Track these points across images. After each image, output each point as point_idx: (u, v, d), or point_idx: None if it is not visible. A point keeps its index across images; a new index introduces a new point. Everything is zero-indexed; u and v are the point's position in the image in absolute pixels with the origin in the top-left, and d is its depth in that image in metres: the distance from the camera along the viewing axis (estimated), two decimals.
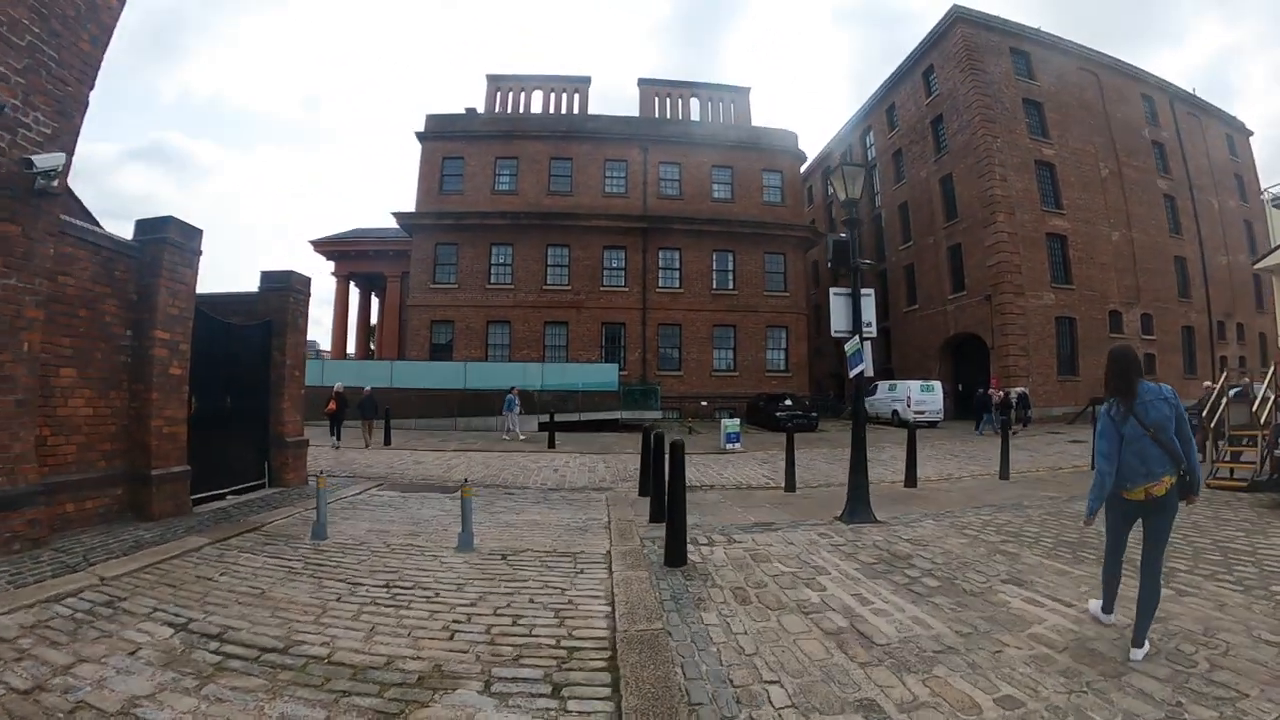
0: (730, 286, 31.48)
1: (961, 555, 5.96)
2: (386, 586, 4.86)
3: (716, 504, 9.00)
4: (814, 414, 25.03)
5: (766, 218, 31.84)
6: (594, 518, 7.85)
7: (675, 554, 5.61)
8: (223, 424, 8.65)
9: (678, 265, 31.03)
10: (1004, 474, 11.39)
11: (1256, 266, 9.58)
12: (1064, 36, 34.11)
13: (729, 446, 17.14)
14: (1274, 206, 10.01)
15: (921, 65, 33.81)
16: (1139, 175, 34.20)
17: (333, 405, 17.43)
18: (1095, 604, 4.25)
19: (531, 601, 4.59)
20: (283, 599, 4.51)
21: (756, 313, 31.18)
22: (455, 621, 4.15)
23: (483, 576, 5.18)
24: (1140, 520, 3.78)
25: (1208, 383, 13.91)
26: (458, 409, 23.92)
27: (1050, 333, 28.93)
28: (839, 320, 8.06)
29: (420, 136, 31.60)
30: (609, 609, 4.44)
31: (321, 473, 7.46)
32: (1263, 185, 43.40)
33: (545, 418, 20.74)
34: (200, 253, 7.92)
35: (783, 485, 10.35)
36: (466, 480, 6.77)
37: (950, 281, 32.14)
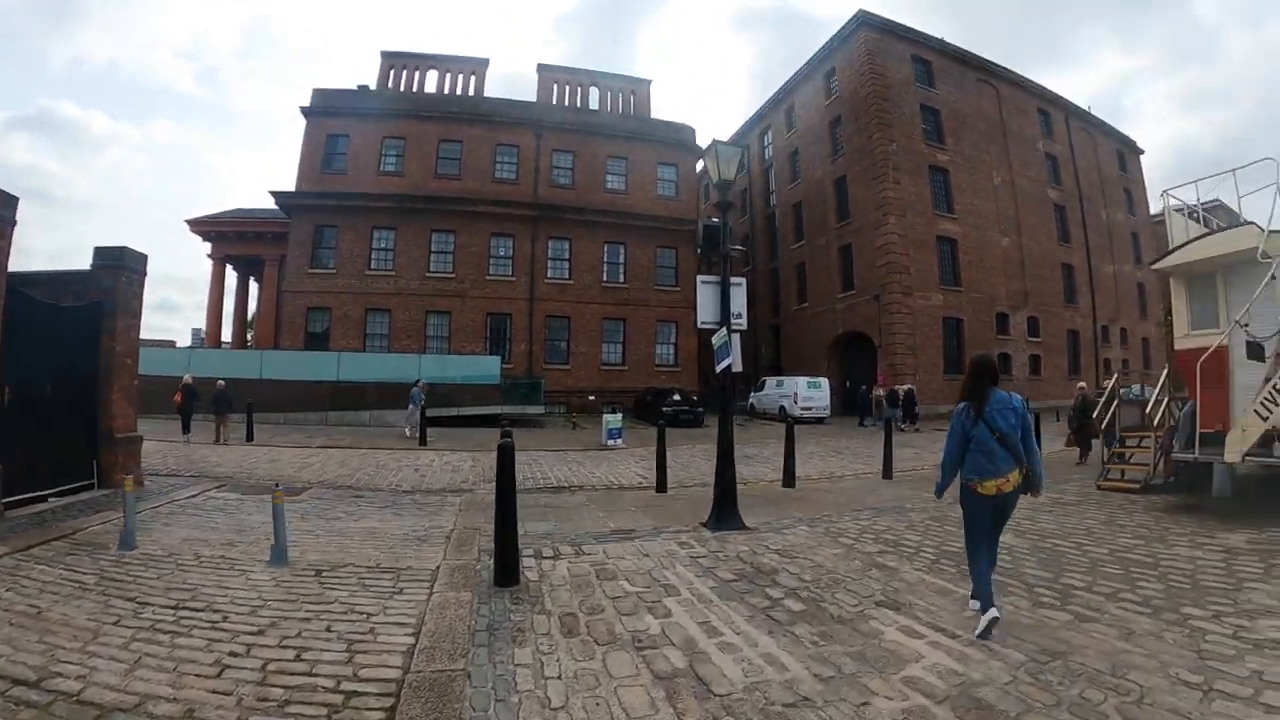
0: (621, 279, 30.72)
1: (833, 570, 5.43)
2: (175, 608, 4.31)
3: (578, 508, 8.36)
4: (700, 409, 24.45)
5: (660, 211, 31.22)
6: (439, 525, 7.12)
7: (505, 572, 4.99)
8: (44, 417, 7.61)
9: (568, 256, 30.08)
10: (887, 473, 11.11)
11: (1154, 267, 9.54)
12: (967, 49, 34.80)
13: (610, 443, 16.42)
14: (1176, 211, 9.69)
15: (824, 67, 33.86)
16: (1031, 185, 35.10)
17: (179, 398, 16.12)
18: (974, 603, 4.28)
19: (329, 630, 3.99)
20: (58, 620, 4.03)
21: (647, 307, 30.52)
22: (232, 654, 3.63)
23: (285, 597, 4.58)
24: (992, 512, 4.22)
25: (1081, 384, 13.85)
26: (329, 403, 22.32)
27: (938, 333, 29.22)
28: (706, 310, 7.46)
29: (305, 112, 29.76)
30: (413, 641, 3.83)
31: (130, 475, 6.99)
32: (1157, 196, 45.66)
33: (431, 413, 19.42)
34: (14, 222, 6.86)
35: (656, 485, 9.79)
36: (279, 486, 5.73)
37: (840, 280, 32.14)
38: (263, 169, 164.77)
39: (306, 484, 9.94)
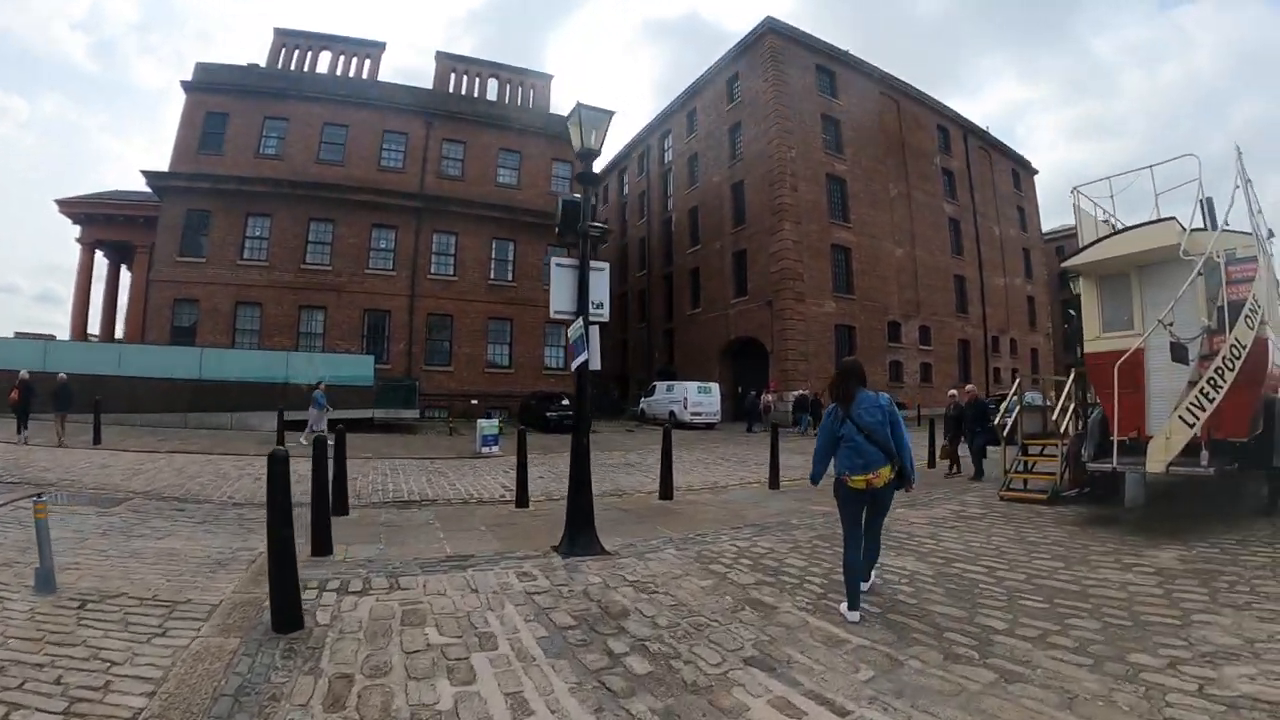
0: (509, 278, 29.68)
1: (698, 610, 4.48)
2: None
3: (420, 528, 7.29)
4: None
5: (553, 208, 30.22)
6: (250, 547, 6.19)
7: (282, 616, 4.01)
8: None
9: (453, 251, 28.81)
10: (774, 483, 10.44)
11: (1065, 265, 9.04)
12: (872, 62, 35.49)
13: (485, 450, 15.55)
14: (1090, 215, 9.04)
15: (727, 72, 33.88)
16: (927, 198, 36.09)
17: (15, 394, 14.70)
18: (843, 606, 4.41)
19: (57, 683, 3.21)
20: None
21: (536, 307, 29.08)
22: None
23: (28, 636, 3.80)
24: (868, 505, 4.46)
25: (952, 391, 13.67)
26: (190, 403, 20.60)
27: (830, 339, 29.50)
28: (561, 298, 6.54)
29: (186, 87, 27.72)
30: (145, 703, 3.06)
31: None
32: (1049, 215, 47.83)
33: (290, 415, 18.14)
34: None
35: (516, 499, 8.83)
36: (41, 496, 4.75)
37: (734, 286, 32.16)
38: (155, 151, 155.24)
39: (130, 494, 8.83)
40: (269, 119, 27.89)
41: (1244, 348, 6.20)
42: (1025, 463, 9.75)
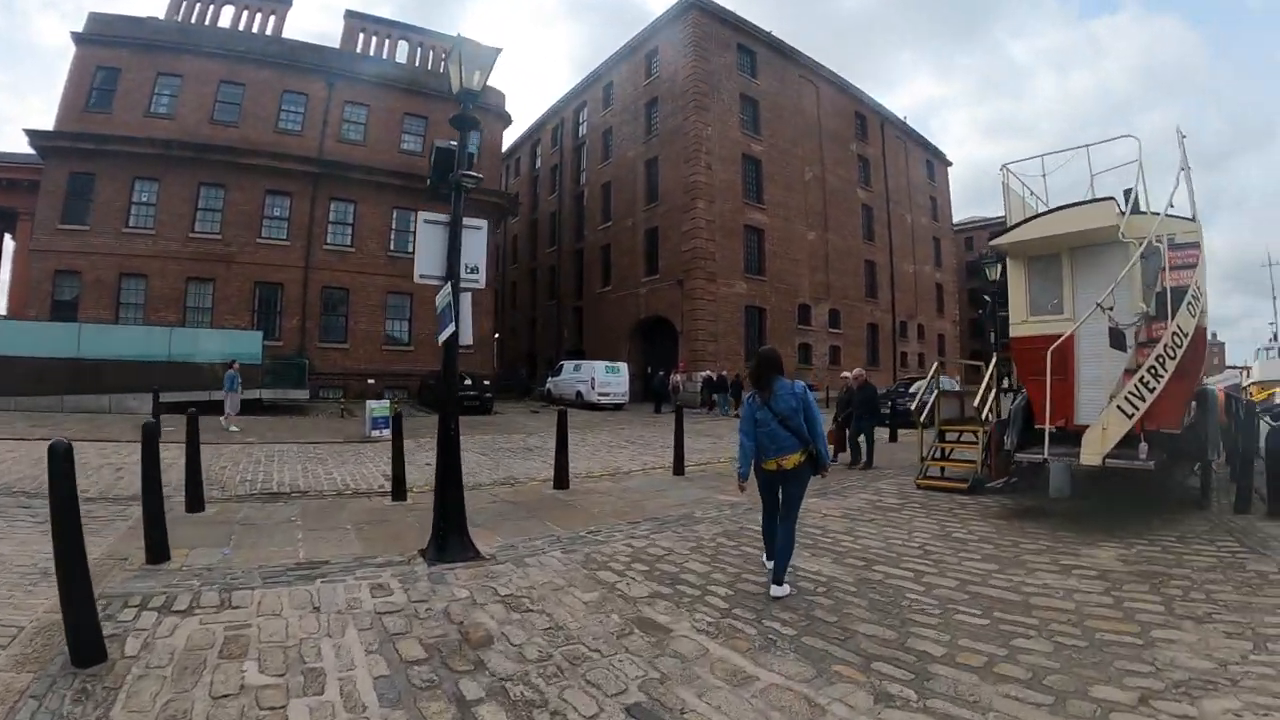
0: (410, 250, 28.03)
1: (578, 634, 3.74)
2: None
3: (279, 526, 6.44)
4: (489, 396, 23.20)
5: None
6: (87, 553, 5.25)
7: (82, 645, 3.31)
8: None
9: (351, 220, 27.42)
10: (678, 469, 9.96)
11: (993, 243, 8.85)
12: (794, 45, 35.75)
13: (375, 434, 14.55)
14: (1018, 195, 8.50)
15: (648, 46, 33.46)
16: (841, 184, 36.80)
17: None
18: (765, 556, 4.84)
19: None
20: None
21: (483, 287, 28.74)
22: None
23: None
24: (780, 487, 4.57)
25: (845, 374, 13.69)
26: (66, 384, 18.97)
27: (740, 320, 29.90)
28: (428, 259, 5.73)
29: (77, 38, 25.52)
30: None
31: None
32: (960, 206, 49.55)
33: (172, 397, 17.01)
34: None
35: (393, 491, 7.99)
36: None
37: (645, 264, 32.10)
38: (51, 112, 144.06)
39: None
40: (162, 75, 25.93)
41: (1186, 336, 6.02)
42: (942, 449, 9.44)
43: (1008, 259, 8.24)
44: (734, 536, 6.08)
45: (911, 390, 21.03)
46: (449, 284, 5.60)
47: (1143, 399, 5.75)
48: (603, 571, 4.97)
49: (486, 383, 24.70)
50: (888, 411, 17.74)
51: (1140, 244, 6.45)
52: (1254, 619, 3.81)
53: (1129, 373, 6.15)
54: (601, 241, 35.73)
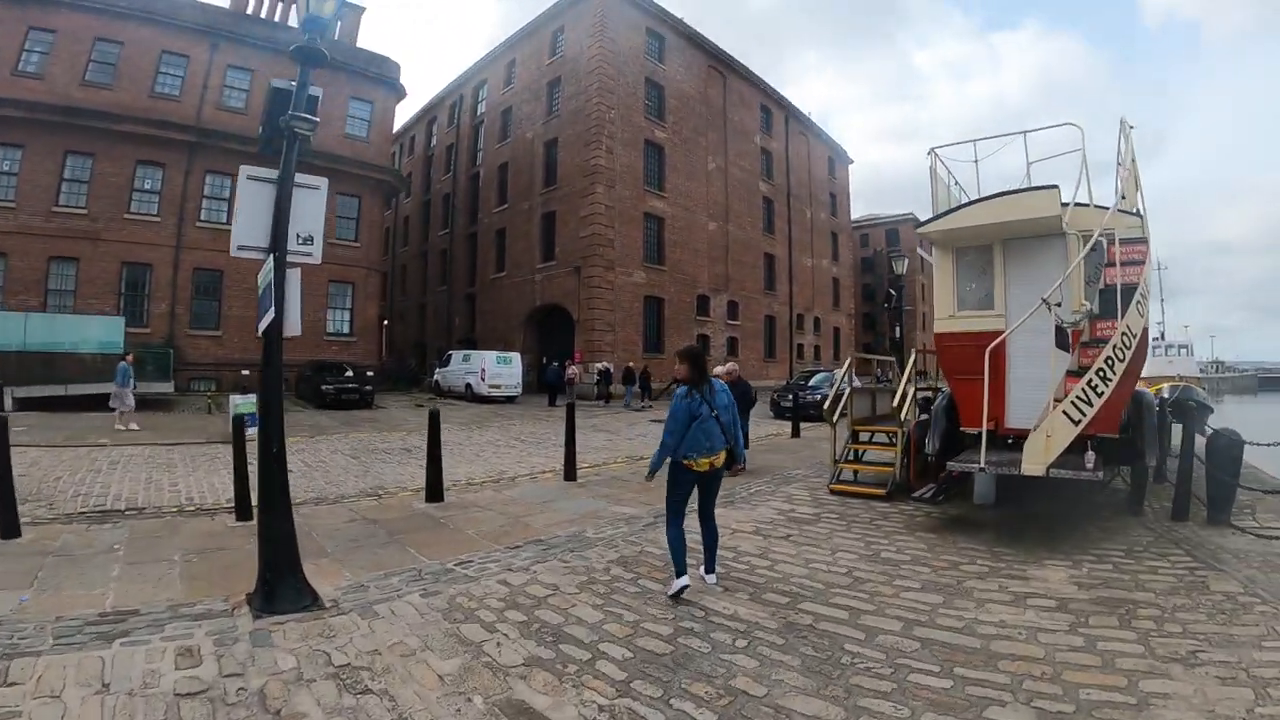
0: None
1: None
2: None
3: (98, 557, 5.28)
4: (369, 389, 21.72)
5: (345, 152, 27.30)
6: None
7: None
8: None
9: (228, 195, 24.68)
10: (570, 473, 9.08)
11: (920, 231, 7.64)
12: (705, 34, 35.25)
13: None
14: (944, 182, 7.76)
15: (555, 23, 32.16)
16: (744, 175, 36.88)
17: None
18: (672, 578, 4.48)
19: None
20: None
21: (320, 263, 26.57)
22: None
23: None
24: (704, 486, 4.61)
25: (719, 369, 12.87)
26: None
27: (638, 310, 29.45)
28: (249, 227, 4.54)
29: None
30: None
31: None
32: (859, 204, 50.98)
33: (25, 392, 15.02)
34: None
35: (236, 509, 6.81)
36: None
37: (541, 250, 31.09)
38: None
39: None
40: (34, 30, 22.58)
41: (1134, 337, 5.69)
42: (855, 451, 8.89)
43: (934, 249, 7.54)
44: (632, 564, 5.24)
45: (812, 383, 21.15)
46: (272, 257, 4.44)
47: (1090, 404, 5.26)
48: (469, 624, 4.02)
49: (371, 374, 23.26)
50: (790, 405, 17.63)
51: (1085, 237, 6.11)
52: (1242, 656, 3.47)
53: (1073, 375, 5.73)
54: (496, 225, 34.32)
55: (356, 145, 28.01)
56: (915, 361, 8.82)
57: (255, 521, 6.22)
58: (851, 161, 51.33)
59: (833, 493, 8.12)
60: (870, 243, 62.37)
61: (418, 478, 8.60)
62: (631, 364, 26.39)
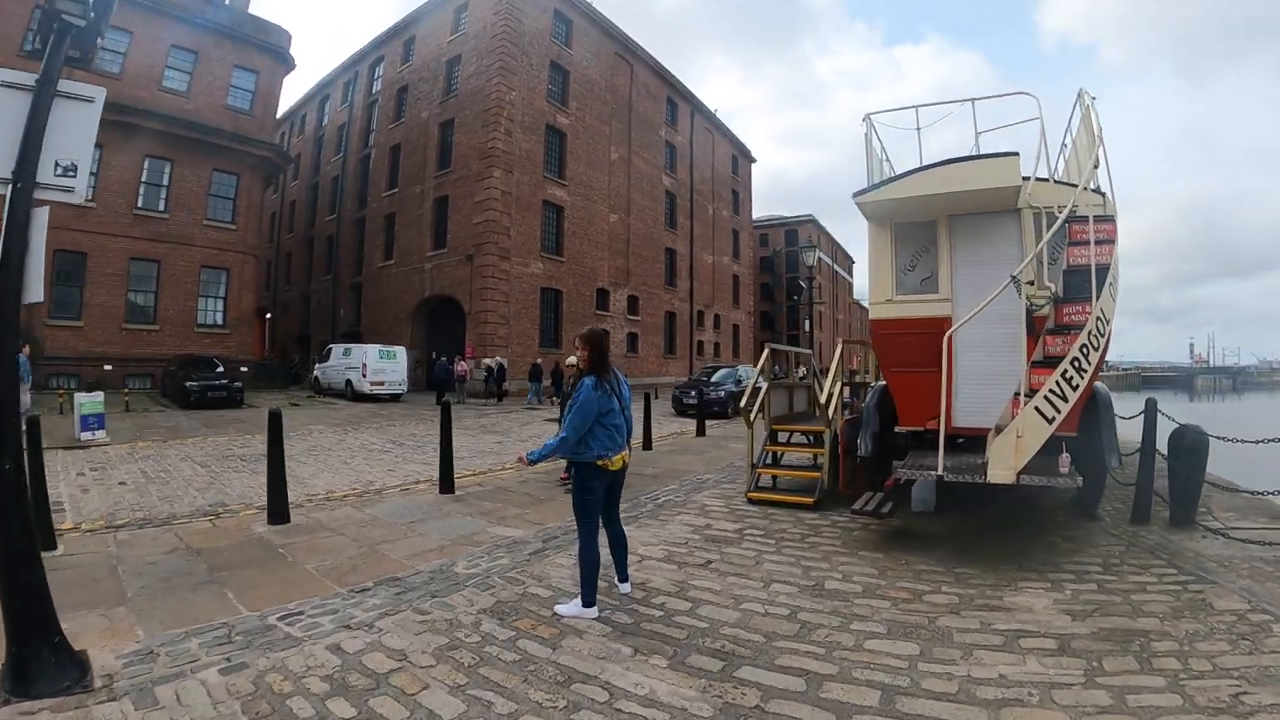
0: (161, 207, 23.26)
1: None
2: None
3: None
4: (239, 385, 19.42)
5: (226, 125, 24.69)
6: None
7: None
8: None
9: (94, 169, 21.49)
10: (446, 484, 7.75)
11: (857, 200, 6.38)
12: (615, 21, 34.12)
13: (86, 436, 11.34)
14: (878, 154, 6.80)
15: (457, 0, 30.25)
16: (647, 167, 36.10)
17: None
18: (575, 605, 3.99)
19: None
20: None
21: (191, 246, 23.67)
22: None
23: None
24: (613, 486, 4.21)
25: (570, 359, 11.24)
26: None
27: (535, 302, 27.98)
28: None
29: None
30: None
31: None
32: (759, 204, 51.41)
33: None
34: None
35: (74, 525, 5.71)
36: None
37: (433, 237, 29.00)
38: None
39: None
40: None
41: (1108, 323, 5.08)
42: (773, 454, 7.97)
43: (869, 225, 6.64)
44: (511, 614, 4.01)
45: (715, 379, 20.46)
46: (11, 188, 3.17)
47: (1065, 399, 4.58)
48: (274, 717, 2.82)
49: (245, 369, 20.89)
50: (694, 402, 16.81)
51: (1042, 214, 5.55)
52: None
53: (1041, 366, 5.01)
54: (386, 210, 31.78)
55: (238, 118, 25.27)
56: (843, 354, 8.15)
57: (63, 553, 5.10)
58: (755, 160, 51.73)
59: (751, 501, 7.17)
60: (769, 243, 63.40)
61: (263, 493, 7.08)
62: (539, 359, 25.21)
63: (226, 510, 6.85)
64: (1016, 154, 5.52)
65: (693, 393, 18.30)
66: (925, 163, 6.02)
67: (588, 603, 3.94)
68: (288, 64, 27.21)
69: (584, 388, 4.00)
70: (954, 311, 5.92)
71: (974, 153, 6.16)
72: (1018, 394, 4.90)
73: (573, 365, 6.71)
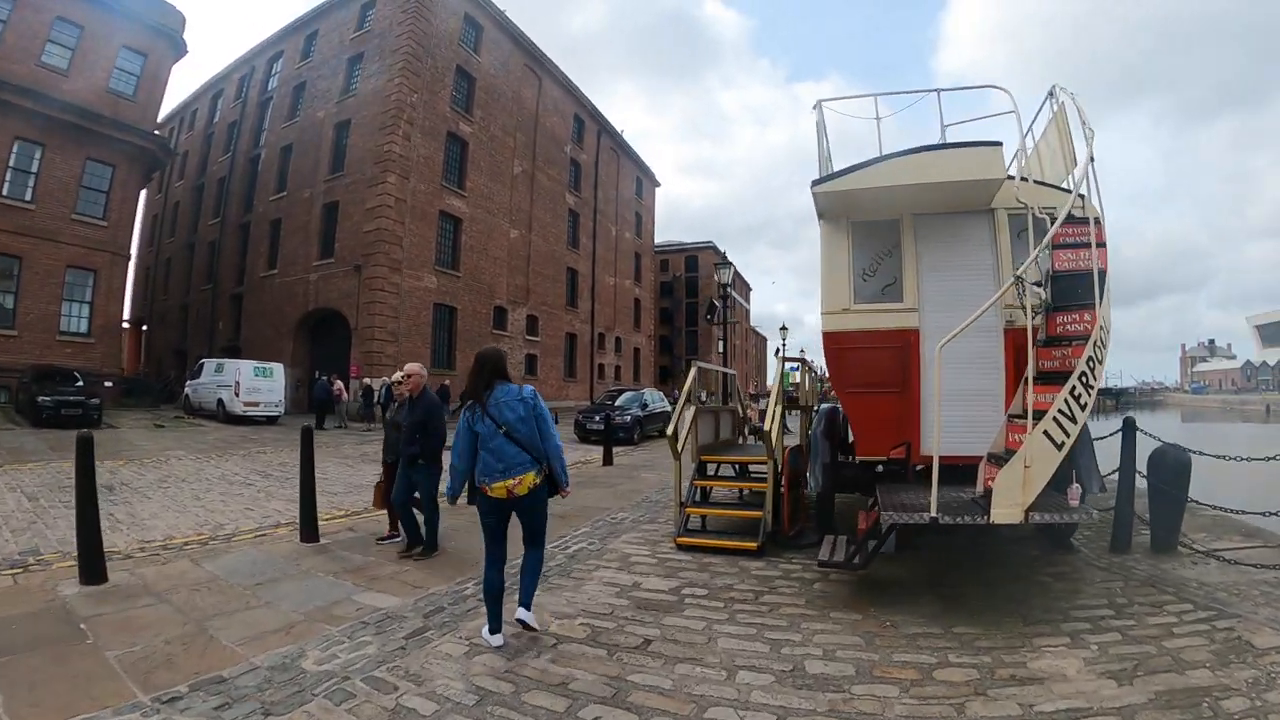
0: (27, 197, 20.05)
1: None
2: None
3: None
4: (95, 401, 16.99)
5: (106, 110, 21.71)
6: None
7: None
8: None
9: (37, 168, 19.60)
10: (308, 531, 6.26)
11: (815, 188, 5.47)
12: (527, 33, 33.10)
13: None
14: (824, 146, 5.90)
15: None
16: (551, 184, 35.15)
17: None
18: (484, 630, 3.88)
19: None
20: None
21: (58, 243, 20.51)
22: None
23: None
24: (516, 516, 3.89)
25: (398, 374, 8.96)
26: None
27: (427, 319, 26.17)
28: None
29: None
30: None
31: None
32: (653, 225, 51.42)
33: None
34: None
35: None
36: None
37: (319, 245, 26.69)
38: None
39: None
40: None
41: (1109, 333, 4.52)
42: (701, 490, 6.97)
43: (821, 222, 5.86)
44: None
45: (619, 403, 19.45)
46: None
47: (1074, 420, 3.94)
48: None
49: (110, 384, 18.20)
50: (599, 428, 15.70)
51: (1014, 215, 5.07)
52: None
53: (1044, 383, 4.37)
54: (273, 215, 28.99)
55: (120, 104, 22.41)
56: (783, 375, 7.36)
57: None
58: (659, 184, 51.93)
59: (681, 547, 6.04)
60: (670, 268, 63.66)
61: (105, 534, 5.48)
62: (448, 381, 23.50)
63: (39, 561, 5.36)
64: (1000, 144, 4.93)
65: (597, 417, 17.25)
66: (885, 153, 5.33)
67: (492, 629, 3.84)
68: (179, 49, 24.54)
69: (460, 413, 3.89)
70: (921, 323, 5.27)
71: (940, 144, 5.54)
72: (1014, 416, 4.28)
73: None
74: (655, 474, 11.49)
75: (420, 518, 5.93)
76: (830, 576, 5.10)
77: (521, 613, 3.85)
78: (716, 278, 16.88)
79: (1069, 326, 4.64)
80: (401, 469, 5.87)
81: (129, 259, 23.85)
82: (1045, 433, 3.92)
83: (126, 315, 37.61)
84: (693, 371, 7.19)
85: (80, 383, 17.44)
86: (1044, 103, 5.60)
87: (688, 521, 6.43)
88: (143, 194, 27.00)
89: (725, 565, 5.52)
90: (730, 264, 16.74)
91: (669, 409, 21.03)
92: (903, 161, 5.12)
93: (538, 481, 3.79)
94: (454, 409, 4.20)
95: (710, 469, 7.20)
